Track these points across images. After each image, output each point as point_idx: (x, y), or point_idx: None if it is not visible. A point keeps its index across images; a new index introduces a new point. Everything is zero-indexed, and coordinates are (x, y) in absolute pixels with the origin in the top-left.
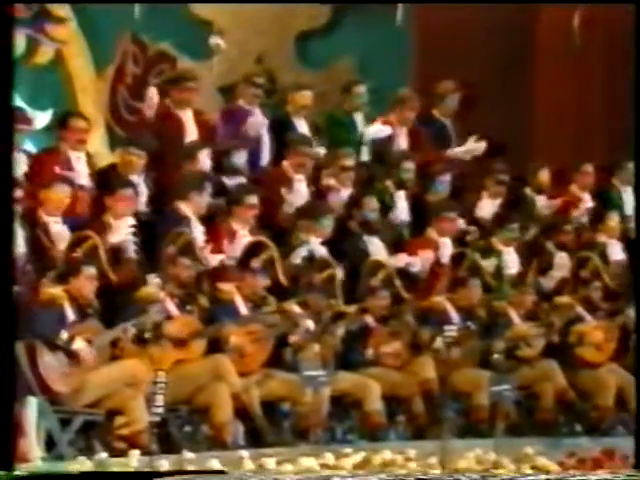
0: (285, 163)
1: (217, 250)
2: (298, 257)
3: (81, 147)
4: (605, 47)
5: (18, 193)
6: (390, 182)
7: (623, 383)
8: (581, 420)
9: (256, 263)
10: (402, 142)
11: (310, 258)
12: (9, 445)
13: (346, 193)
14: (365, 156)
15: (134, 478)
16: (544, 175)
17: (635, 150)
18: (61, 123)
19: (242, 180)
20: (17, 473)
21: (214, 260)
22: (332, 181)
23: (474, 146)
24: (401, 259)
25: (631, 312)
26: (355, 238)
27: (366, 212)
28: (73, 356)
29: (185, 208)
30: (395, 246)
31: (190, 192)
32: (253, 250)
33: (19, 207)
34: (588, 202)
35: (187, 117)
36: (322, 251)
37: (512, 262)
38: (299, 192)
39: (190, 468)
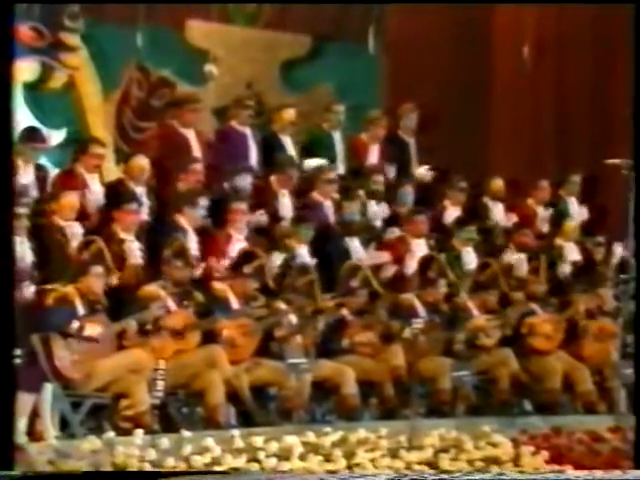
0: (272, 178)
1: (216, 254)
2: (284, 263)
3: (96, 171)
4: (555, 72)
5: (35, 206)
6: (362, 192)
7: (569, 368)
8: (532, 401)
9: (248, 269)
10: (373, 157)
11: (295, 261)
12: (9, 445)
13: (329, 204)
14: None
15: (139, 478)
16: (500, 186)
17: (635, 153)
18: (82, 148)
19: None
20: (17, 473)
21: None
22: (316, 193)
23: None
24: (380, 256)
25: (580, 306)
26: (337, 240)
27: (346, 215)
28: (83, 346)
29: (182, 220)
30: (371, 245)
31: (184, 206)
32: (246, 257)
33: (36, 218)
34: (542, 213)
35: (190, 136)
36: (304, 258)
37: (471, 260)
38: (284, 204)
39: (188, 446)
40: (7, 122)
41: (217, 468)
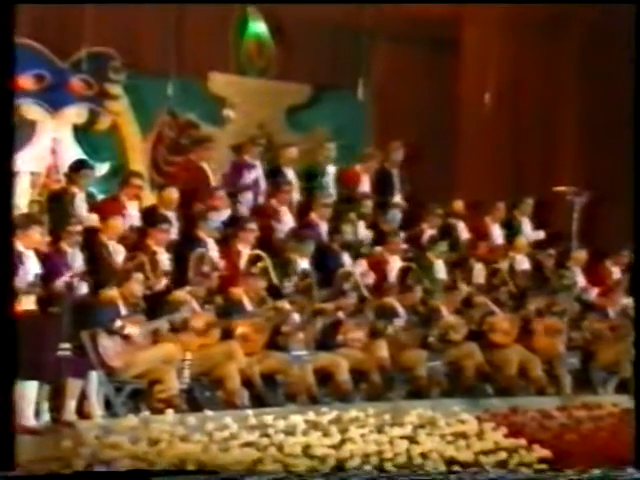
0: (273, 200)
1: (231, 265)
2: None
3: (136, 199)
4: (511, 114)
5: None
6: (354, 214)
7: (523, 358)
8: (493, 385)
9: (255, 269)
10: (365, 186)
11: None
12: (9, 445)
13: (324, 224)
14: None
15: (132, 477)
16: (460, 206)
17: (635, 155)
18: (124, 180)
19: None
20: (17, 473)
21: None
22: (313, 215)
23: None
24: (361, 266)
25: (531, 307)
26: (334, 254)
27: (345, 236)
28: (124, 341)
29: (204, 236)
30: (357, 259)
31: (207, 225)
32: (253, 261)
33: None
34: (497, 230)
35: (209, 168)
36: (305, 265)
37: (441, 270)
38: (284, 221)
39: (211, 424)
40: (7, 123)
41: (234, 442)
